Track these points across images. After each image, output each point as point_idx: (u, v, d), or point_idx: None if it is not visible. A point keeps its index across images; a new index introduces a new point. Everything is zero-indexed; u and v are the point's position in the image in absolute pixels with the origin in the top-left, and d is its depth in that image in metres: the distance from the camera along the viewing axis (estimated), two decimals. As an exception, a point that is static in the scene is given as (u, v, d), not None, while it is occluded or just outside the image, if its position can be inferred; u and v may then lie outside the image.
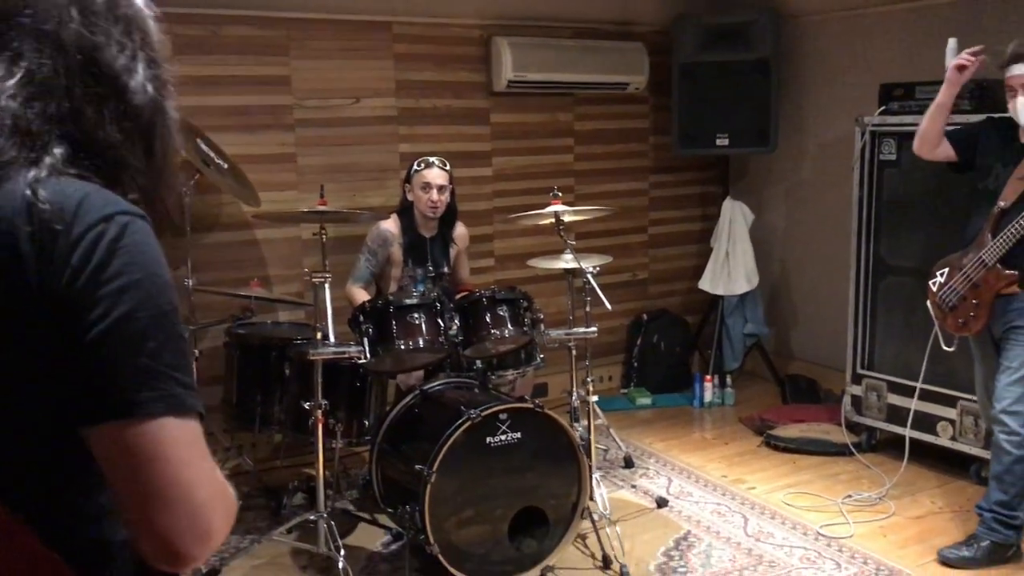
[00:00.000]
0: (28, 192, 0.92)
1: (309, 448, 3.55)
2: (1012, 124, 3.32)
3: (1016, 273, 3.21)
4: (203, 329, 4.01)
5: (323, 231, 3.31)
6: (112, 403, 0.91)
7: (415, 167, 4.00)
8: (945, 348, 3.58)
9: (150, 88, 1.03)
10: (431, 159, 4.00)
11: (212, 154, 3.84)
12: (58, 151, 0.96)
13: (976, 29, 4.13)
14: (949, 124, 3.51)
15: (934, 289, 3.51)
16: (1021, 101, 3.19)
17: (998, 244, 3.23)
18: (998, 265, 3.24)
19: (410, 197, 4.03)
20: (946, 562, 3.32)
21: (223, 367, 3.89)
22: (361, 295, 3.95)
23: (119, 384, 0.91)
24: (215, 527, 0.95)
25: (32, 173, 0.94)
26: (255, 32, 4.27)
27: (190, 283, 3.85)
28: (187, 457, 0.93)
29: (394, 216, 4.08)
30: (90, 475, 0.99)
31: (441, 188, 3.97)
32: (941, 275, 3.46)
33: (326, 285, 3.21)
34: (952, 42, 3.87)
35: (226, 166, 3.90)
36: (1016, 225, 3.16)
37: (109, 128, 0.99)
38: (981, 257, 3.28)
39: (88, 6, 1.00)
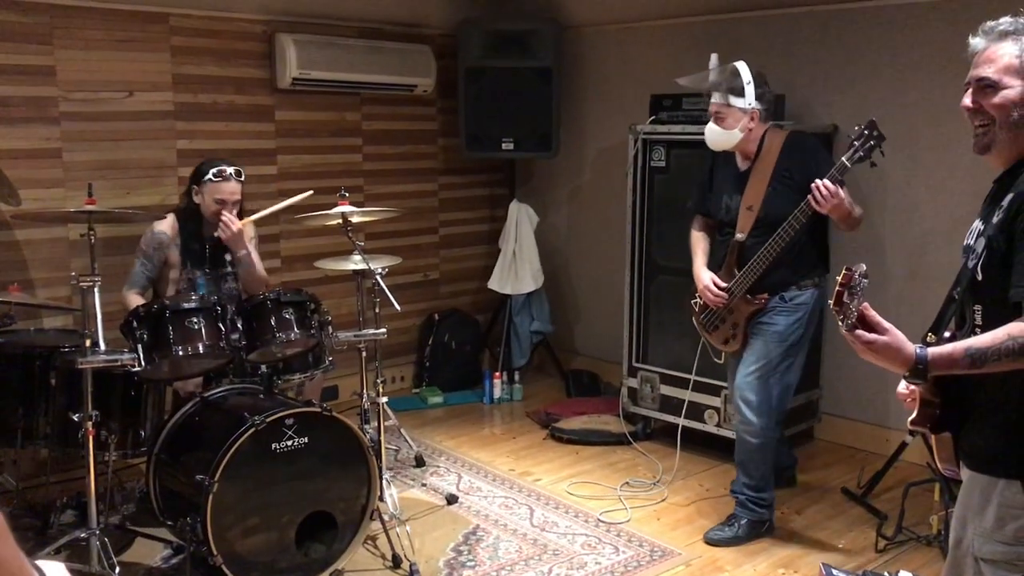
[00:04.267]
0: None
1: (79, 462, 3.34)
2: (732, 154, 3.55)
3: (765, 297, 3.45)
4: (-45, 338, 3.68)
5: (92, 232, 3.11)
6: None
7: (211, 176, 3.72)
8: (716, 360, 3.85)
9: None
10: (228, 170, 3.73)
11: (-37, 148, 3.54)
12: None
13: (735, 44, 4.47)
14: (694, 135, 3.82)
15: (696, 310, 3.73)
16: (710, 127, 3.47)
17: (745, 278, 3.45)
18: (747, 295, 3.49)
19: (197, 200, 3.81)
20: (711, 542, 3.57)
21: (-21, 379, 3.58)
22: (137, 301, 3.73)
23: None
24: None
25: None
26: (14, 18, 3.96)
27: (-62, 288, 3.53)
28: None
29: (171, 216, 3.85)
30: None
31: (235, 203, 3.77)
32: (701, 297, 3.65)
33: (95, 289, 3.03)
34: (714, 57, 4.18)
35: (-20, 161, 3.60)
36: (757, 261, 3.39)
37: None
38: (731, 289, 3.51)
39: None
